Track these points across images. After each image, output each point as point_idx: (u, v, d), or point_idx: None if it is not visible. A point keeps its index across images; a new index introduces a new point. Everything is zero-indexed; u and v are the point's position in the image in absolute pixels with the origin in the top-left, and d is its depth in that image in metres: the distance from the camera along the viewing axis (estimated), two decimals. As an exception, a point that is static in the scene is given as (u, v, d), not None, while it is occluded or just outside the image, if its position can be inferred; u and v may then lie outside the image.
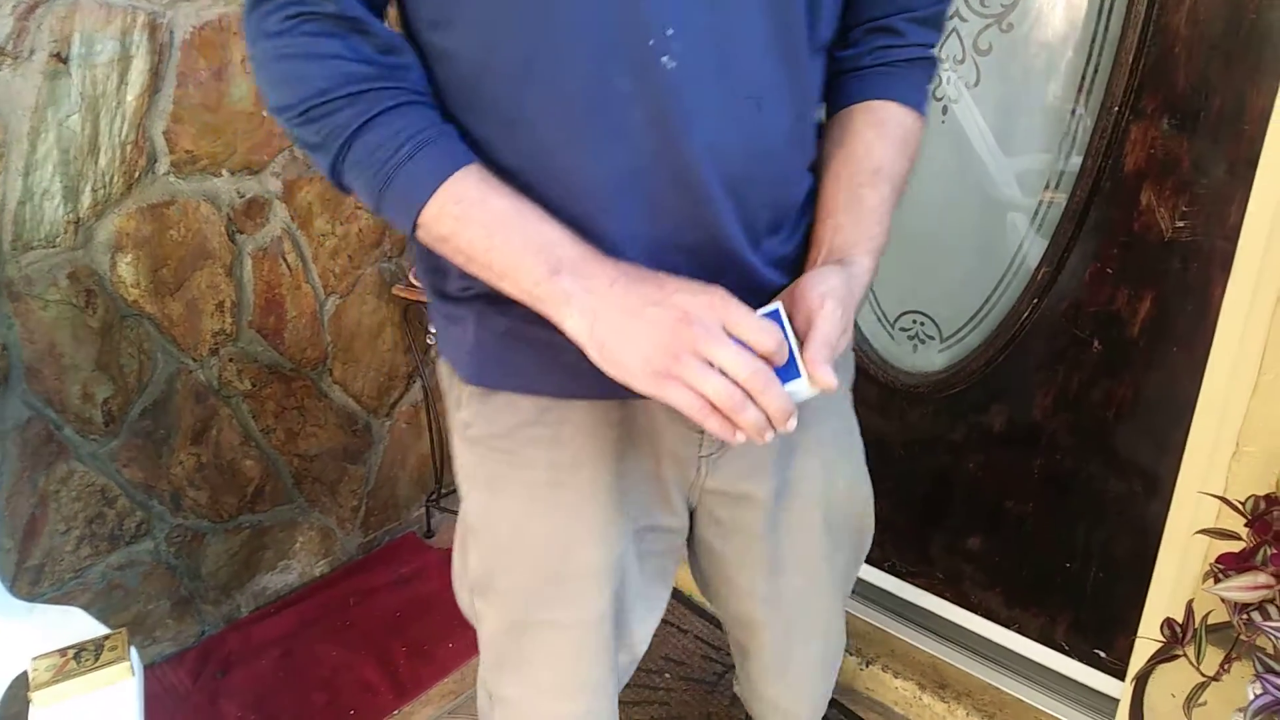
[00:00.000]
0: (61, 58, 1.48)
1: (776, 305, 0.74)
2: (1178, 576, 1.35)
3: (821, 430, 1.00)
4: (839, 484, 1.04)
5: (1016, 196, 1.53)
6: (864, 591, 1.94)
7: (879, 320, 1.76)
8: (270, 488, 1.95)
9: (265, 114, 1.74)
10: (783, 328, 0.72)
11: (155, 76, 1.59)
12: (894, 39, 0.89)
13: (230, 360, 1.81)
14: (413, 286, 1.97)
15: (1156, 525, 1.43)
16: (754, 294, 0.78)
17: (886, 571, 1.90)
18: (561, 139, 0.75)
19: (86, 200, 1.56)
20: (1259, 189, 1.16)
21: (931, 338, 1.71)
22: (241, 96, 1.70)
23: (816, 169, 0.90)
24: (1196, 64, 1.27)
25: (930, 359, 1.72)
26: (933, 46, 0.92)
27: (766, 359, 0.68)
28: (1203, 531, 1.08)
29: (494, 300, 0.79)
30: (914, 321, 1.72)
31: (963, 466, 1.72)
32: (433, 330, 1.96)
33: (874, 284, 1.72)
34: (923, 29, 0.90)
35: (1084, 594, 1.61)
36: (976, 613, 1.79)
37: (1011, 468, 1.65)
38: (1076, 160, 1.43)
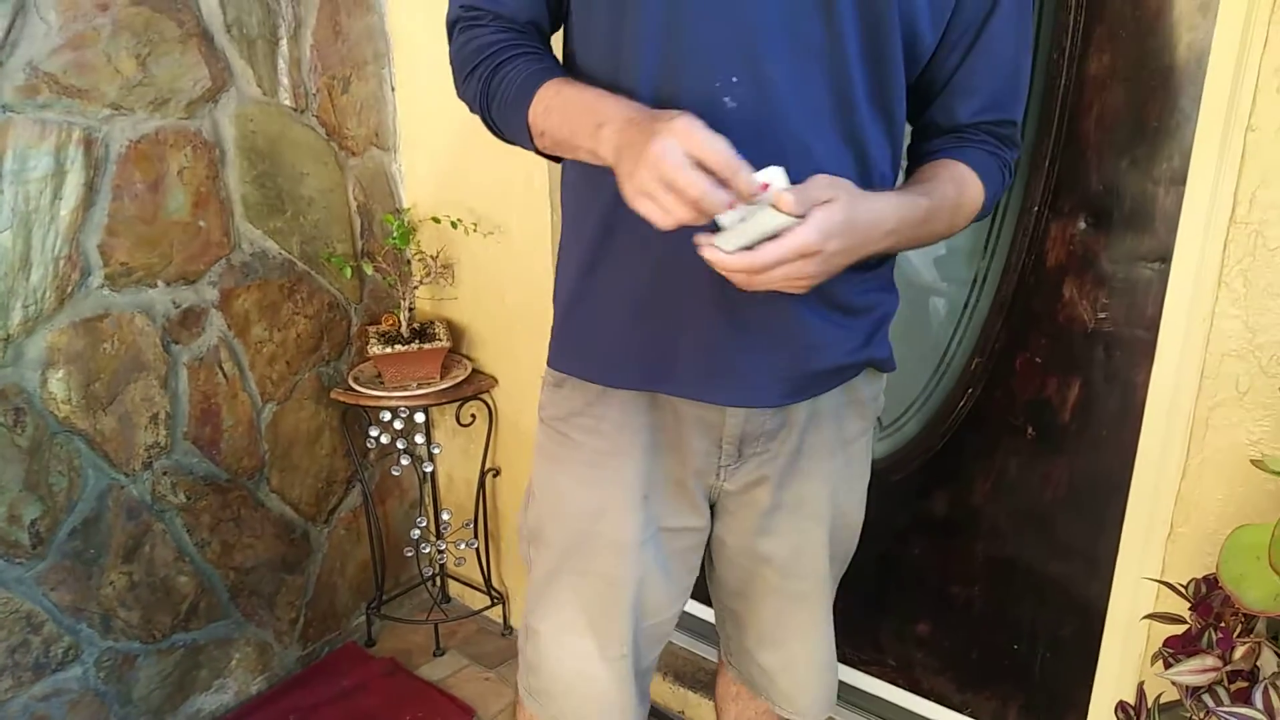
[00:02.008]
0: (-7, 174, 1.46)
1: (779, 169, 0.81)
2: (1123, 658, 1.39)
3: (833, 463, 1.13)
4: (841, 508, 1.17)
5: (945, 291, 1.60)
6: (816, 682, 1.93)
7: (819, 411, 1.80)
8: (205, 603, 1.87)
9: (201, 224, 1.73)
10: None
11: (90, 190, 1.57)
12: (964, 135, 1.05)
13: (164, 474, 1.76)
14: (351, 390, 1.95)
15: (1098, 605, 1.47)
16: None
17: (840, 661, 1.90)
18: None
19: (17, 317, 1.52)
20: (1174, 284, 1.24)
21: (871, 427, 1.75)
22: (178, 207, 1.69)
23: None
24: (1107, 167, 1.36)
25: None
26: (1003, 152, 1.06)
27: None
28: (1149, 617, 1.11)
29: (573, 304, 1.06)
30: (853, 411, 1.77)
31: (908, 552, 1.75)
32: (373, 434, 1.94)
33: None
34: (990, 135, 1.05)
35: (1033, 676, 1.64)
36: (929, 699, 1.80)
37: (956, 552, 1.68)
38: (1002, 255, 1.50)
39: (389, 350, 1.90)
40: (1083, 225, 1.40)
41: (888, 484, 1.72)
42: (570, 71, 1.02)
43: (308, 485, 2.03)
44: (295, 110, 1.86)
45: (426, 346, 1.93)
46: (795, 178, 0.83)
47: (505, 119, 0.99)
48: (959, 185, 1.01)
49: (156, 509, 1.76)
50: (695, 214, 0.77)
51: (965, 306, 1.59)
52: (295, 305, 1.93)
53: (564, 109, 0.92)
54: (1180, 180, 1.27)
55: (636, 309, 1.01)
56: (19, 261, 1.51)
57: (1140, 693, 1.08)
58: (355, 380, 1.97)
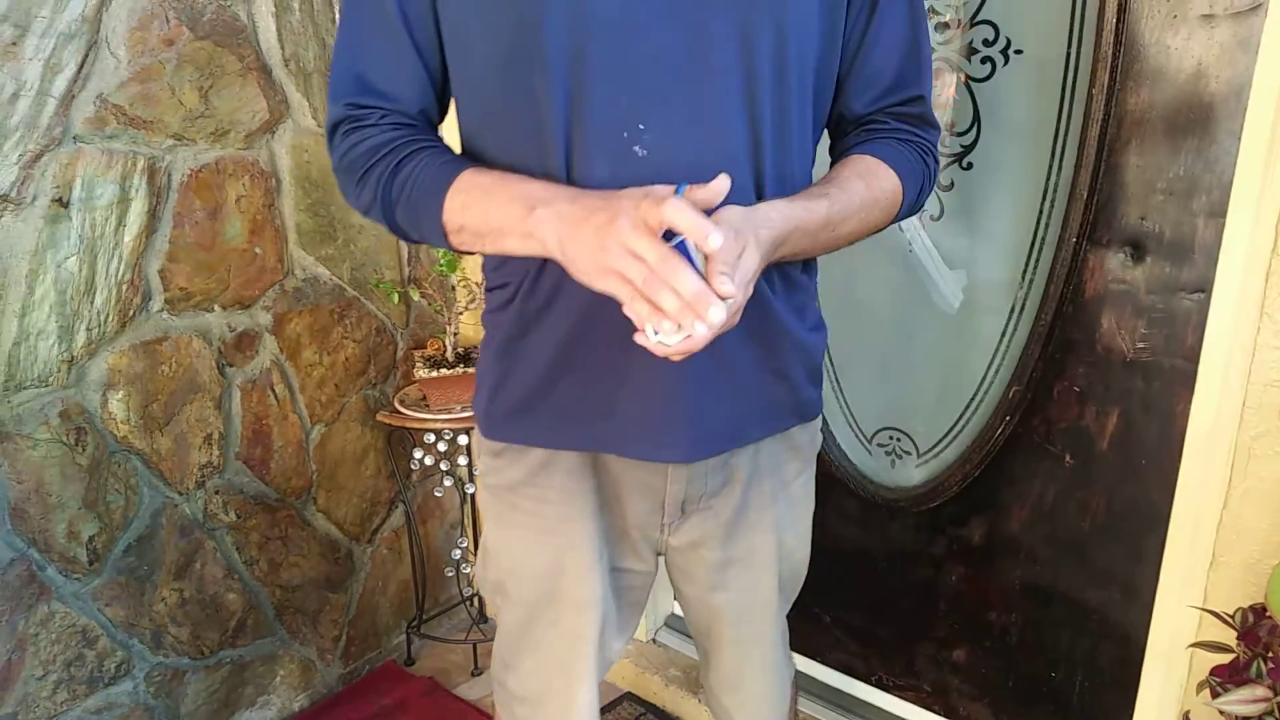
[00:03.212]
0: (63, 202, 1.51)
1: (682, 237, 0.80)
2: (1164, 686, 1.39)
3: (779, 508, 1.13)
4: (786, 550, 1.17)
5: (984, 319, 1.62)
6: (852, 707, 1.95)
7: (856, 436, 1.82)
8: (252, 621, 1.92)
9: (257, 250, 1.79)
10: (688, 253, 0.79)
11: (153, 218, 1.63)
12: (877, 125, 1.04)
13: (216, 493, 1.80)
14: (397, 412, 1.99)
15: (1138, 633, 1.48)
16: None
17: (874, 685, 1.91)
18: None
19: (80, 339, 1.57)
20: (1214, 315, 1.25)
21: (908, 453, 1.77)
22: (235, 235, 1.75)
23: None
24: (1146, 199, 1.38)
25: (908, 474, 1.78)
26: (919, 135, 1.05)
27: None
28: (1196, 645, 1.13)
29: (505, 367, 1.03)
30: (890, 438, 1.79)
31: (945, 579, 1.76)
32: (417, 455, 1.98)
33: (850, 402, 1.80)
34: (901, 121, 1.05)
35: (1071, 704, 1.64)
36: (966, 725, 1.81)
37: (993, 579, 1.69)
38: (1040, 285, 1.53)
39: (434, 374, 1.95)
40: (1121, 256, 1.43)
41: (925, 511, 1.74)
42: (468, 150, 1.00)
43: (353, 505, 2.07)
44: (346, 140, 1.92)
45: (470, 370, 1.97)
46: (716, 208, 0.84)
47: (413, 219, 0.95)
48: (867, 179, 0.99)
49: (208, 527, 1.81)
50: (656, 286, 0.77)
51: (1002, 335, 1.61)
52: (344, 330, 1.98)
53: (485, 200, 0.90)
54: (1220, 212, 1.29)
55: (570, 369, 0.99)
56: (84, 285, 1.56)
57: (1185, 720, 1.09)
58: (400, 403, 2.01)
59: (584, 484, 1.06)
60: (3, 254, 1.46)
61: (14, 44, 1.41)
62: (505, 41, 0.91)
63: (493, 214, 0.89)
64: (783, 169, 0.96)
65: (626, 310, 0.80)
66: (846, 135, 1.07)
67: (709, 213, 0.81)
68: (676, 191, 0.80)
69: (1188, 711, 1.13)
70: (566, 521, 1.06)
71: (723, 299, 0.77)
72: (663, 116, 0.89)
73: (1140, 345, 1.44)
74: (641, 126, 0.89)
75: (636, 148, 0.89)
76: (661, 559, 1.17)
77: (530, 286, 0.98)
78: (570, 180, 0.91)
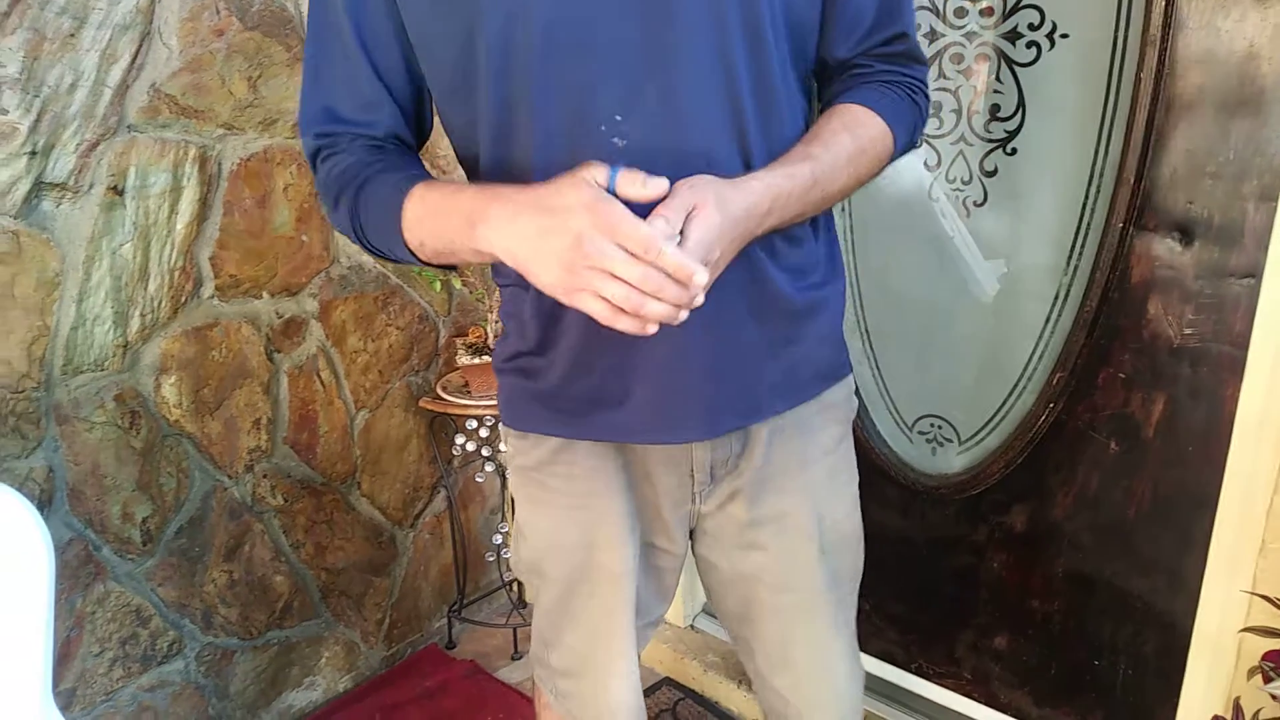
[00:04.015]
0: (118, 190, 1.55)
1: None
2: (1210, 673, 1.38)
3: (811, 473, 1.11)
4: (829, 520, 1.13)
5: (1027, 306, 1.61)
6: (892, 694, 1.95)
7: (897, 424, 1.82)
8: (299, 603, 1.95)
9: (304, 238, 1.82)
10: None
11: (204, 205, 1.66)
12: (862, 70, 1.03)
13: (264, 476, 1.84)
14: (439, 399, 2.02)
15: (1183, 620, 1.47)
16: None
17: (914, 673, 1.91)
18: None
19: (135, 325, 1.61)
20: (1265, 300, 1.24)
21: (950, 440, 1.77)
22: (283, 223, 1.78)
23: None
24: (1194, 185, 1.37)
25: (949, 461, 1.78)
26: (908, 74, 1.03)
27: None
28: (1249, 630, 1.12)
29: (520, 369, 1.04)
30: (932, 425, 1.79)
31: (987, 566, 1.76)
32: (459, 441, 2.01)
33: (891, 389, 1.80)
34: (887, 62, 1.03)
35: (1114, 691, 1.63)
36: (1006, 713, 1.80)
37: (1035, 567, 1.69)
38: (1085, 271, 1.52)
39: (476, 361, 1.97)
40: (1169, 241, 1.42)
41: (966, 498, 1.74)
42: (462, 157, 1.01)
43: (396, 490, 2.10)
44: (390, 130, 1.95)
45: (511, 357, 1.99)
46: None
47: (381, 240, 0.95)
48: (854, 130, 0.97)
49: (256, 510, 1.84)
50: (638, 302, 0.76)
51: (1047, 321, 1.60)
52: (388, 317, 2.00)
53: (433, 217, 0.89)
54: (1271, 196, 1.28)
55: (584, 368, 0.99)
56: (138, 272, 1.60)
57: (1237, 708, 1.08)
58: (443, 389, 2.04)
59: (609, 461, 1.07)
60: (61, 241, 1.50)
61: (72, 35, 1.44)
62: (465, 52, 0.91)
63: (442, 232, 0.88)
64: (772, 137, 0.95)
65: (605, 323, 0.78)
66: (831, 83, 1.04)
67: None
68: (611, 173, 0.79)
69: (1238, 698, 1.13)
70: (595, 497, 1.08)
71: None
72: (638, 104, 0.88)
73: (1188, 331, 1.43)
74: (619, 118, 0.88)
75: (616, 139, 0.89)
76: (691, 548, 1.17)
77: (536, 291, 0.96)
78: (555, 175, 0.88)
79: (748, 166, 0.93)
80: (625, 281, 0.75)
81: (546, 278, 0.79)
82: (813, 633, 1.18)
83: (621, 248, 0.75)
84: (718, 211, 0.81)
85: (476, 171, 0.99)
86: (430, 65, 0.96)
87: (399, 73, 0.97)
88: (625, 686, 1.15)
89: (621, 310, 0.77)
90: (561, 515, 1.10)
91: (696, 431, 1.01)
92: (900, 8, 1.02)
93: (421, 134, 1.04)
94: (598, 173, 0.79)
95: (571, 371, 1.00)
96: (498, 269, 1.07)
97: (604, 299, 0.77)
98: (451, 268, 1.01)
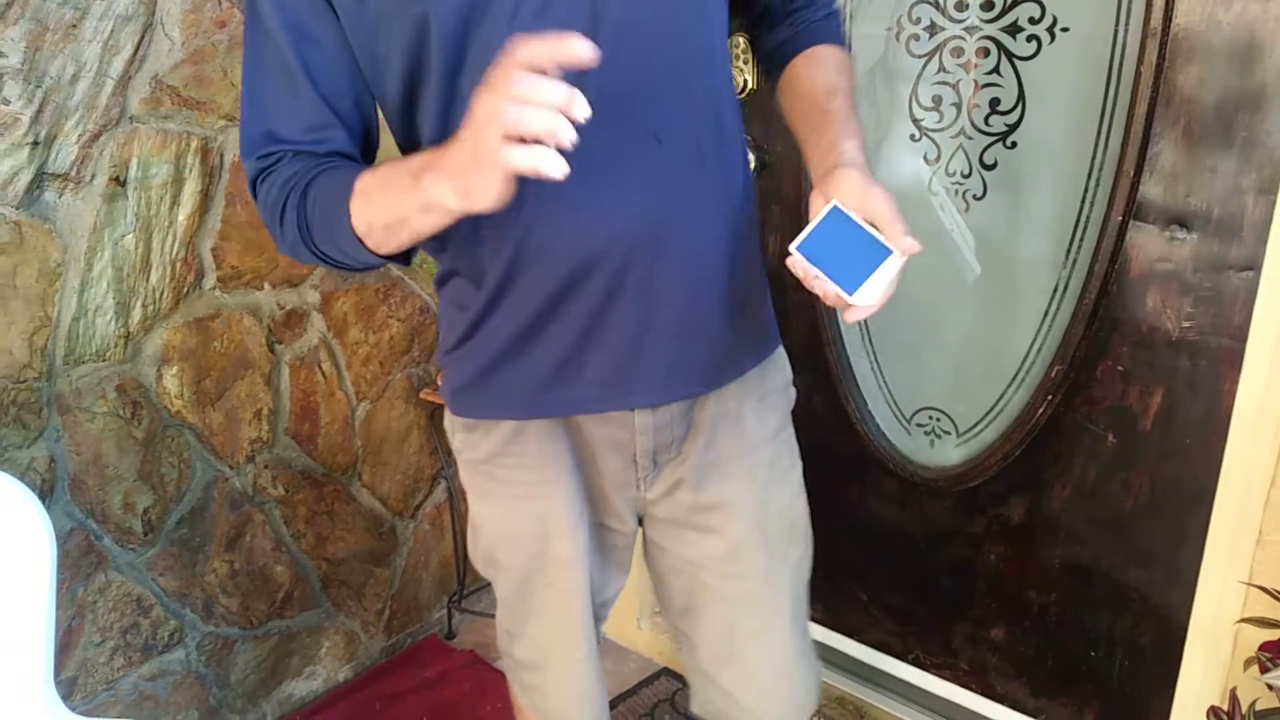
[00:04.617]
0: (120, 181, 1.55)
1: (834, 203, 0.83)
2: (1207, 664, 1.39)
3: (754, 459, 1.13)
4: (774, 507, 1.16)
5: (1026, 299, 1.62)
6: (889, 685, 1.96)
7: (895, 416, 1.83)
8: (299, 593, 1.96)
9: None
10: (849, 219, 0.82)
11: (205, 197, 1.66)
12: (804, 10, 1.09)
13: (265, 467, 1.85)
14: (440, 390, 2.02)
15: (1180, 612, 1.48)
16: None
17: (911, 664, 1.92)
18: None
19: (137, 315, 1.61)
20: (1264, 293, 1.25)
21: (948, 433, 1.78)
22: (284, 213, 1.78)
23: (785, 118, 1.07)
24: (1193, 178, 1.38)
25: (947, 454, 1.79)
26: (834, 5, 1.13)
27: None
28: (1246, 620, 1.13)
29: (467, 353, 1.04)
30: (930, 418, 1.79)
31: (984, 558, 1.76)
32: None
33: (889, 381, 1.81)
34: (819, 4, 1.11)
35: (1111, 682, 1.64)
36: (1003, 704, 1.81)
37: (1032, 559, 1.70)
38: (1084, 264, 1.52)
39: (476, 352, 1.97)
40: (1168, 234, 1.42)
41: (964, 490, 1.74)
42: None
43: (396, 481, 2.11)
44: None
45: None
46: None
47: (329, 239, 0.91)
48: (846, 72, 1.04)
49: (257, 500, 1.85)
50: (553, 124, 0.70)
51: (1045, 314, 1.60)
52: (389, 309, 2.01)
53: (382, 191, 0.85)
54: (1270, 189, 1.28)
55: (536, 342, 1.00)
56: (140, 263, 1.60)
57: (1233, 698, 1.09)
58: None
59: (558, 445, 1.09)
60: (63, 231, 1.50)
61: (74, 26, 1.45)
62: (413, 52, 0.89)
63: (390, 201, 0.84)
64: (716, 61, 1.00)
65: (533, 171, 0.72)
66: (777, 27, 1.10)
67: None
68: (832, 210, 0.83)
69: (1234, 689, 1.14)
70: (545, 484, 1.09)
71: (913, 252, 0.82)
72: (589, 84, 0.87)
73: (1186, 324, 1.43)
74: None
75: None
76: (641, 530, 1.20)
77: (485, 267, 0.98)
78: None
79: (696, 143, 0.97)
80: (534, 103, 0.69)
81: (478, 175, 0.74)
82: (761, 624, 1.17)
83: (512, 77, 0.70)
84: (887, 195, 0.85)
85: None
86: (376, 75, 0.93)
87: (344, 92, 0.94)
88: (585, 673, 1.18)
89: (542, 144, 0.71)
90: (513, 506, 1.12)
91: (649, 395, 1.04)
92: None
93: (370, 151, 1.01)
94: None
95: (524, 339, 1.00)
96: (441, 277, 1.07)
97: (523, 138, 0.70)
98: (399, 258, 0.94)
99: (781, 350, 1.19)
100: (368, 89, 0.96)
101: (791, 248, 0.85)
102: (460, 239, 0.98)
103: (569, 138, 0.70)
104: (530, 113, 0.69)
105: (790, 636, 1.20)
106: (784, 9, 1.10)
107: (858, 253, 0.82)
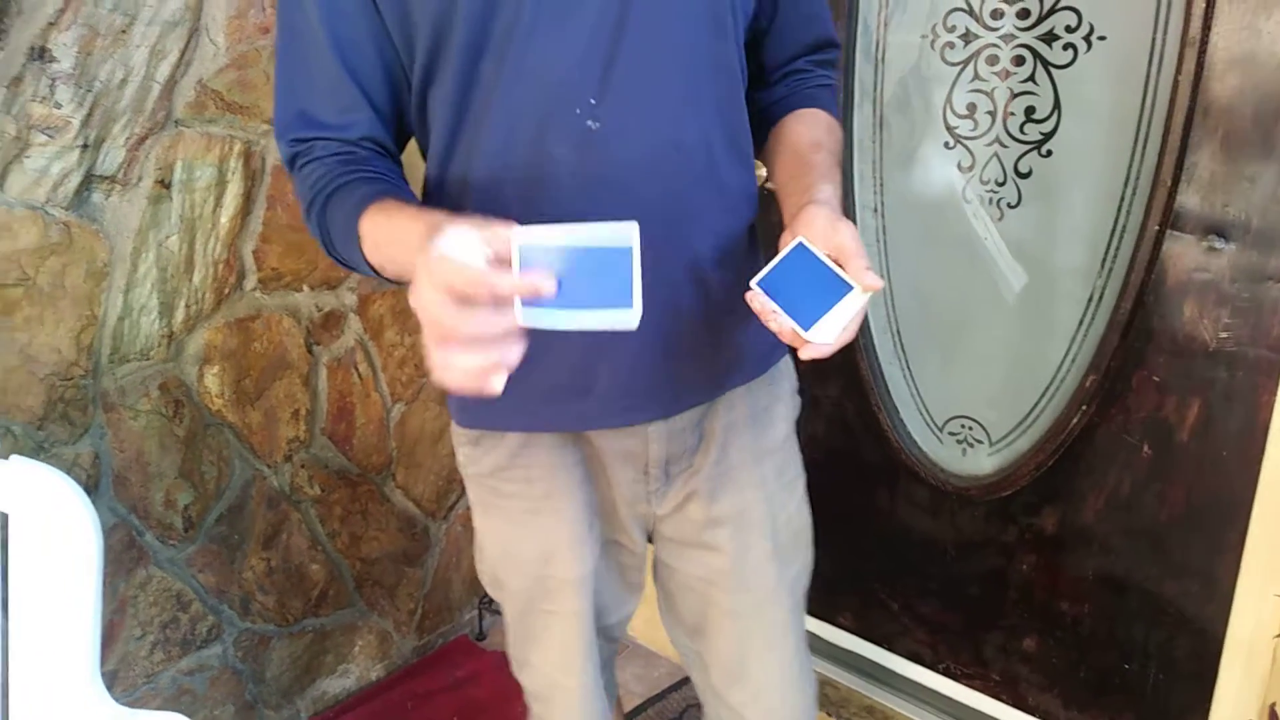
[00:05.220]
0: (165, 183, 1.59)
1: (799, 240, 0.83)
2: (1244, 678, 1.38)
3: (764, 469, 1.13)
4: (781, 517, 1.15)
5: (1060, 308, 1.61)
6: (919, 694, 1.95)
7: (927, 424, 1.83)
8: (334, 591, 1.99)
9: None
10: (813, 256, 0.82)
11: (248, 200, 1.69)
12: (802, 75, 1.11)
13: (302, 466, 1.88)
14: (473, 394, 2.04)
15: (1215, 626, 1.47)
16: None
17: (942, 674, 1.92)
18: (519, 195, 0.93)
19: (180, 315, 1.65)
20: (1303, 304, 1.24)
21: (980, 442, 1.77)
22: (323, 217, 1.81)
23: (767, 171, 1.08)
24: (1231, 188, 1.37)
25: (979, 463, 1.78)
26: (833, 80, 1.15)
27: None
28: (1281, 632, 1.12)
29: None
30: (962, 426, 1.79)
31: (1016, 568, 1.75)
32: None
33: (921, 389, 1.80)
34: (821, 69, 1.13)
35: (1144, 695, 1.63)
36: (1034, 715, 1.80)
37: (1065, 570, 1.68)
38: (1120, 273, 1.52)
39: (509, 356, 1.99)
40: (1206, 244, 1.41)
41: (996, 499, 1.74)
42: (453, 152, 0.97)
43: (429, 483, 2.13)
44: (429, 127, 1.98)
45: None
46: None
47: (350, 258, 0.93)
48: (835, 135, 1.05)
49: (294, 499, 1.88)
50: (487, 365, 0.70)
51: (1080, 323, 1.60)
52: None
53: (388, 244, 0.85)
54: (1311, 201, 1.27)
55: (547, 353, 0.95)
56: (184, 264, 1.64)
57: (1272, 714, 1.08)
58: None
59: (568, 456, 1.07)
60: (110, 232, 1.54)
61: (123, 31, 1.48)
62: (438, 25, 0.89)
63: (396, 261, 0.85)
64: (730, 123, 1.00)
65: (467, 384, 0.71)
66: (773, 85, 1.11)
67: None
68: (797, 246, 0.83)
69: (1274, 704, 1.12)
70: (553, 498, 1.07)
71: (876, 289, 0.81)
72: (610, 86, 0.90)
73: (1224, 335, 1.42)
74: (593, 100, 0.89)
75: (590, 122, 0.90)
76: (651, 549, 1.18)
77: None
78: (535, 162, 0.91)
79: (709, 153, 0.97)
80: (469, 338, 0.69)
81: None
82: (768, 641, 1.17)
83: (453, 296, 0.68)
84: (853, 231, 0.84)
85: (433, 176, 0.99)
86: (407, 47, 0.94)
87: (374, 72, 0.95)
88: (585, 706, 1.17)
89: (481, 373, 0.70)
90: (517, 523, 1.10)
91: (660, 407, 1.03)
92: (829, 18, 1.12)
93: (402, 136, 1.02)
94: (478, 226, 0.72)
95: (534, 350, 0.96)
96: None
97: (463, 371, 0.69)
98: None
99: (788, 358, 1.19)
100: (401, 69, 0.96)
101: (752, 283, 0.84)
102: None
103: (507, 370, 0.70)
104: (462, 358, 0.68)
105: (796, 652, 1.20)
106: (779, 70, 1.11)
107: (818, 289, 0.81)
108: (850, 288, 0.80)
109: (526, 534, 1.09)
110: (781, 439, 1.16)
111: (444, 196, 0.98)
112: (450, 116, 0.93)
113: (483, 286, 0.67)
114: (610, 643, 1.24)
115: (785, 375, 1.18)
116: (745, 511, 1.12)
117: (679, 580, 1.18)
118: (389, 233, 0.85)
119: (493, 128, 0.91)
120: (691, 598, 1.18)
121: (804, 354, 0.83)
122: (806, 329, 0.81)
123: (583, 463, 1.09)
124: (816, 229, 0.85)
